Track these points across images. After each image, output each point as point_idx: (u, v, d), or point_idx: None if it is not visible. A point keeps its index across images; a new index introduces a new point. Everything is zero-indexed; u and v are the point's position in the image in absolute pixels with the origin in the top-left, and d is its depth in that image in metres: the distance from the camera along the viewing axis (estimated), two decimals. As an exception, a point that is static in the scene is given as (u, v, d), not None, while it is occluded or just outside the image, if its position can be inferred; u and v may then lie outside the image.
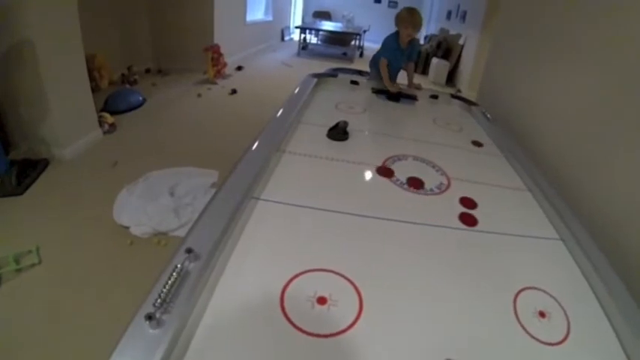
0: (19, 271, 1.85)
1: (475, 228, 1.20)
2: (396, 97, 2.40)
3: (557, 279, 1.07)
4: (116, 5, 4.61)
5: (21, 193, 2.41)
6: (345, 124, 1.64)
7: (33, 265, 1.90)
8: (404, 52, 2.63)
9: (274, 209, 1.11)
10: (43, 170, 2.67)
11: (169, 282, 0.73)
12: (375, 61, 2.80)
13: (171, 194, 2.41)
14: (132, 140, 3.35)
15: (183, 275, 0.76)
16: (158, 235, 2.17)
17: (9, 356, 1.51)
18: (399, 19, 2.55)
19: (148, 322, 0.66)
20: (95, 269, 1.93)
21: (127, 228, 2.20)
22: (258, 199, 1.14)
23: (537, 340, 0.85)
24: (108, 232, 2.19)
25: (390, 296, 0.90)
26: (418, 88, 2.65)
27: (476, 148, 1.85)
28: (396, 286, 0.93)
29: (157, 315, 0.68)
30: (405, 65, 2.75)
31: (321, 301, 0.83)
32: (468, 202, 1.35)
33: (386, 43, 2.63)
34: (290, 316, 0.78)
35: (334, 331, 0.77)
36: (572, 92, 2.20)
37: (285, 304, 0.81)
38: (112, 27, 4.58)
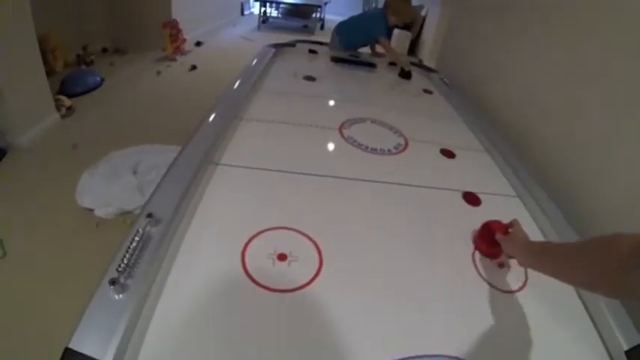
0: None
1: (432, 185, 1.24)
2: (407, 74, 2.37)
3: None
4: (68, -19, 4.34)
5: (-21, 185, 2.30)
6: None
7: (-2, 258, 1.84)
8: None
9: (234, 173, 1.13)
10: (0, 160, 2.56)
11: (131, 246, 0.74)
12: (340, 30, 2.85)
13: (134, 172, 2.37)
14: (91, 122, 3.24)
15: (145, 239, 0.77)
16: (124, 215, 2.14)
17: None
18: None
19: (112, 287, 0.66)
20: (63, 255, 1.90)
21: (92, 210, 2.15)
22: (217, 164, 1.14)
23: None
24: (73, 217, 2.14)
25: (350, 251, 0.92)
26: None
27: (433, 110, 1.90)
28: (354, 242, 0.96)
29: (121, 280, 0.68)
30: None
31: (282, 257, 0.85)
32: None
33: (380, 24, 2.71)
34: (252, 273, 0.80)
35: (296, 285, 0.80)
36: (535, 58, 2.20)
37: (247, 263, 0.83)
38: (64, 5, 4.29)
